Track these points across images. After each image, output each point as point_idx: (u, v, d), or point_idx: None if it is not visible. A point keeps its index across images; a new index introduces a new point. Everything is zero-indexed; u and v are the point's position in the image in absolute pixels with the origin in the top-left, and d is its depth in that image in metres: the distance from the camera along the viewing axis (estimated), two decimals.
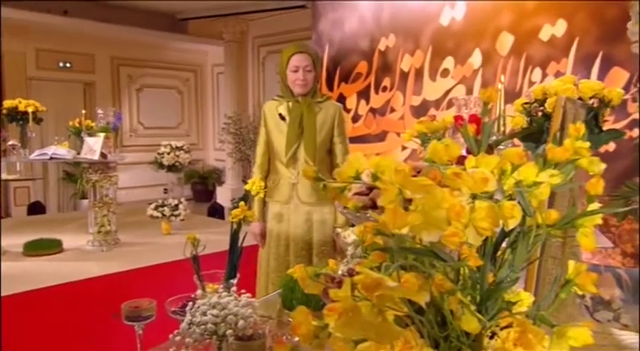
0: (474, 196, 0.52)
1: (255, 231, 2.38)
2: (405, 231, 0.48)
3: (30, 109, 4.93)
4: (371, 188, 1.02)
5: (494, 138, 1.30)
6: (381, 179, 0.52)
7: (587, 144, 0.57)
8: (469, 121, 0.95)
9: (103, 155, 4.88)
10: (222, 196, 8.08)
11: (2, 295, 3.46)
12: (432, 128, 0.93)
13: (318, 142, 2.25)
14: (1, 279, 3.69)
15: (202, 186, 8.88)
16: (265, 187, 2.35)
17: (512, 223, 0.51)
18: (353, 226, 1.38)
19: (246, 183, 2.22)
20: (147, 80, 8.73)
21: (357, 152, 0.57)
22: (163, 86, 8.97)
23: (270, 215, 2.37)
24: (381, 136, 4.57)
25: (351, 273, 1.08)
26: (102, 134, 4.92)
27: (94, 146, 4.88)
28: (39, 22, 6.75)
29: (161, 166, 6.03)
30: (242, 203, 1.57)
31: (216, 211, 7.27)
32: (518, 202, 0.54)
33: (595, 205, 0.57)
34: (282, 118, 2.31)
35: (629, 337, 1.04)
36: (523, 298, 0.59)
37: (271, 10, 7.20)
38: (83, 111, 5.45)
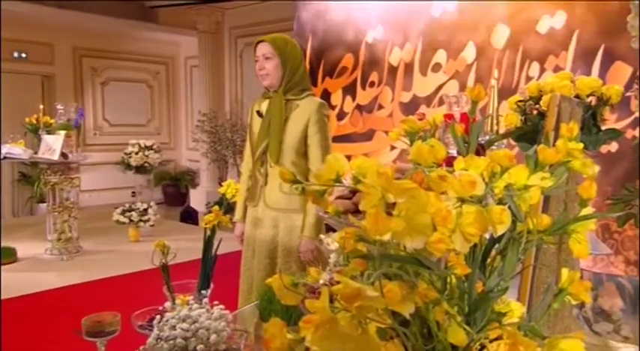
0: (461, 200, 0.53)
1: (236, 233, 2.43)
2: (387, 237, 0.49)
3: None
4: (354, 191, 1.03)
5: (486, 138, 1.32)
6: (362, 182, 0.52)
7: (581, 145, 0.59)
8: (460, 120, 0.96)
9: (63, 155, 4.82)
10: (196, 199, 8.04)
11: None
12: (415, 128, 0.94)
13: (288, 143, 2.21)
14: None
15: (174, 189, 8.81)
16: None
17: (500, 229, 0.52)
18: (333, 231, 1.39)
19: (222, 186, 2.22)
20: (113, 73, 8.64)
21: (337, 153, 0.58)
22: (131, 80, 8.88)
23: (246, 218, 2.40)
24: (368, 135, 4.60)
25: (332, 282, 1.09)
26: (62, 132, 4.86)
27: (53, 145, 4.81)
28: None
29: (128, 167, 5.98)
30: (216, 208, 1.57)
31: (190, 216, 7.23)
32: (509, 207, 0.55)
33: (588, 210, 0.58)
34: (261, 115, 2.32)
35: (628, 350, 1.07)
36: (514, 309, 0.60)
37: None
38: (41, 106, 5.37)
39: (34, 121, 5.19)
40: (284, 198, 2.21)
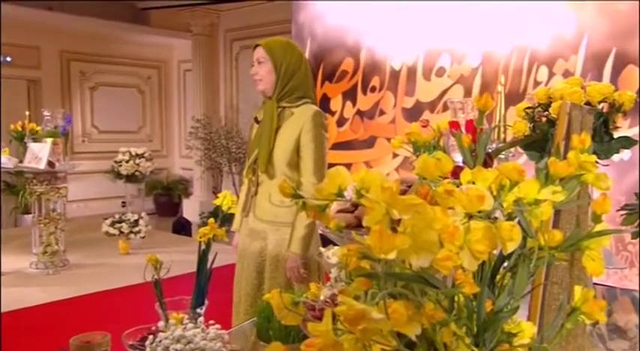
0: (469, 216, 0.53)
1: (233, 243, 2.42)
2: (392, 255, 0.49)
3: None
4: (356, 205, 1.03)
5: (494, 146, 1.32)
6: (365, 197, 0.52)
7: (594, 157, 0.59)
8: (465, 129, 0.97)
9: (50, 164, 4.82)
10: (190, 209, 8.03)
11: None
12: (421, 141, 0.95)
13: (279, 154, 2.18)
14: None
15: (166, 198, 8.81)
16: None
17: (510, 246, 0.52)
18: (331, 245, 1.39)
19: (217, 195, 2.22)
20: (102, 78, 8.66)
21: (339, 166, 0.58)
22: (122, 85, 8.90)
23: (241, 228, 2.41)
24: (369, 142, 4.60)
25: (334, 299, 1.09)
26: (49, 140, 4.86)
27: (39, 153, 4.81)
28: None
29: (119, 175, 5.98)
30: (211, 220, 1.56)
31: (183, 227, 7.23)
32: (518, 222, 0.56)
33: (602, 226, 0.58)
34: (258, 122, 2.32)
35: None
36: (525, 329, 0.60)
37: (245, 0, 7.22)
38: (27, 112, 5.39)
39: (20, 128, 5.19)
40: (273, 210, 2.19)
